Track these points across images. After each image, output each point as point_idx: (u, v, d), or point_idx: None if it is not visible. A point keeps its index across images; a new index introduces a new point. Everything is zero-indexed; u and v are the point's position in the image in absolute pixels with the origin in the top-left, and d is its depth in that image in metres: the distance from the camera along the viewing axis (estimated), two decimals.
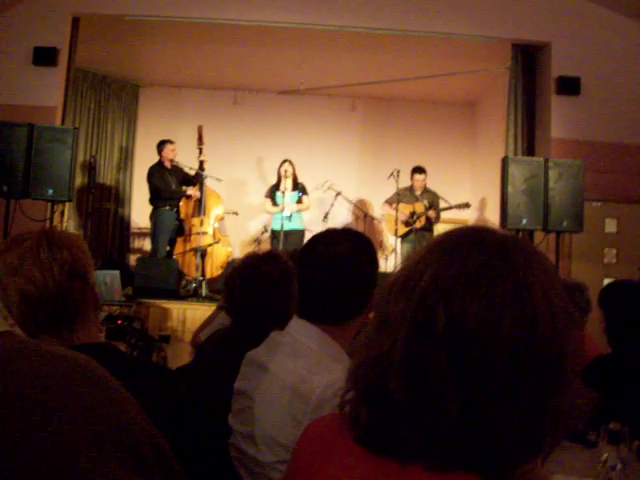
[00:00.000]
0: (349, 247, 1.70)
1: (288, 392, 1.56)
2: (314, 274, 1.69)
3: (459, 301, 0.81)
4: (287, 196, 8.01)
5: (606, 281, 6.54)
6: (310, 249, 1.76)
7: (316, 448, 0.97)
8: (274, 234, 8.12)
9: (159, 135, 8.42)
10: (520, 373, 0.79)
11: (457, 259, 0.86)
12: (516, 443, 0.80)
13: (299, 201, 8.18)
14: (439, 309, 0.82)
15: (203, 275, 7.92)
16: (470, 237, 0.90)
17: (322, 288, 1.67)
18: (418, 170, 8.17)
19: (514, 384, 0.79)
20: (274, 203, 8.18)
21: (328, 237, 1.75)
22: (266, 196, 8.35)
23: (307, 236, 8.16)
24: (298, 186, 8.24)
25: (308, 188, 8.48)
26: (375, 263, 1.77)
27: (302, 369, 1.58)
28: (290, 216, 7.95)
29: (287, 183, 8.09)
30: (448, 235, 0.92)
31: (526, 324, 0.81)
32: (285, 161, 8.18)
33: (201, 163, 8.11)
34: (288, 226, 7.92)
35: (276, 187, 8.22)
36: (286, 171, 8.08)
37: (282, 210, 7.90)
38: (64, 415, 0.71)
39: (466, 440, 0.79)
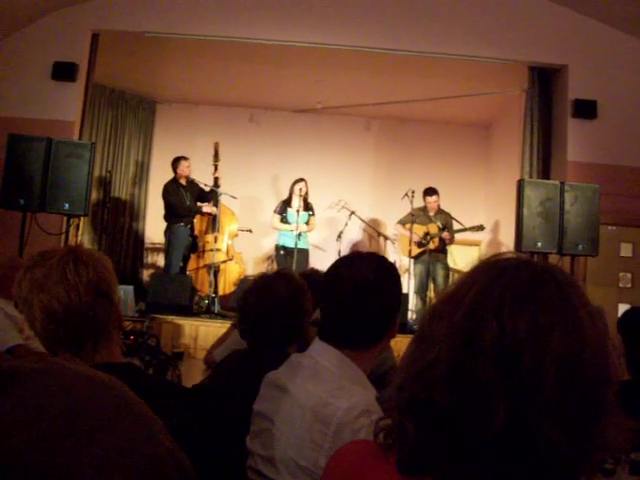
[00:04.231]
0: (375, 272, 1.69)
1: (309, 415, 1.55)
2: (340, 298, 1.68)
3: (509, 312, 0.82)
4: (300, 215, 8.01)
5: (621, 305, 6.51)
6: (336, 273, 1.74)
7: (348, 474, 0.96)
8: (285, 250, 8.10)
9: (175, 151, 8.45)
10: (567, 390, 0.79)
11: (505, 274, 0.87)
12: (557, 463, 0.79)
13: (307, 222, 8.20)
14: (489, 319, 0.82)
15: (216, 292, 7.91)
16: (514, 259, 0.92)
17: (347, 313, 1.66)
18: (430, 192, 8.12)
19: (560, 400, 0.79)
20: (284, 220, 8.18)
21: (354, 261, 1.75)
22: (276, 212, 8.30)
23: (312, 255, 8.37)
24: (309, 206, 8.25)
25: (322, 207, 8.52)
26: (399, 289, 1.77)
27: (323, 392, 1.56)
28: (299, 235, 7.95)
29: (300, 202, 8.07)
30: (491, 257, 0.94)
31: (574, 341, 0.81)
32: (301, 180, 8.15)
33: (216, 180, 8.13)
34: (296, 244, 7.94)
35: (287, 204, 8.22)
36: (300, 189, 8.07)
37: (296, 229, 7.90)
38: (87, 436, 0.70)
39: (508, 457, 0.79)
